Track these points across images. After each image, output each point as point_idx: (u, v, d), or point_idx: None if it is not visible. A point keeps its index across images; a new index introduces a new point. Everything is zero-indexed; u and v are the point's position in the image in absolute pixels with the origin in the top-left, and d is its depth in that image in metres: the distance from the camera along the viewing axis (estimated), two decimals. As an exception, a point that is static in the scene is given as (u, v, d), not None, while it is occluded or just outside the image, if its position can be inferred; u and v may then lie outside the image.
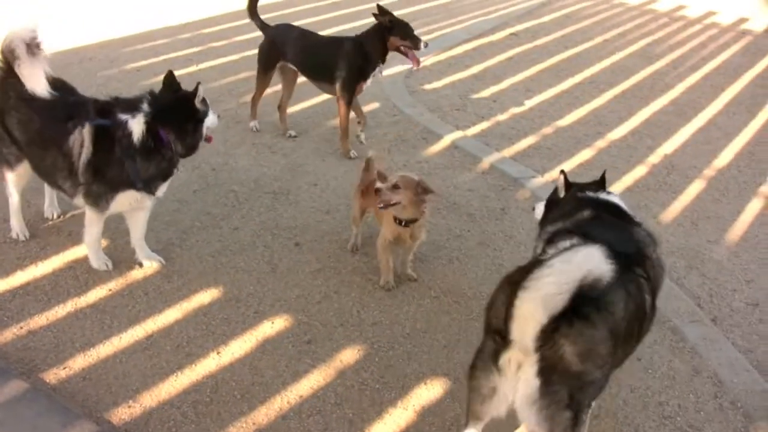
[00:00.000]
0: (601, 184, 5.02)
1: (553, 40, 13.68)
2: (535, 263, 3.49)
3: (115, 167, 5.53)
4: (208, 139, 5.94)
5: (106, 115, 5.52)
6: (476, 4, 15.83)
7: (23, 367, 5.01)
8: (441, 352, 5.40)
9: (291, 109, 9.00)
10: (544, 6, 16.10)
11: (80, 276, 5.98)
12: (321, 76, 8.31)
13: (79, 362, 5.10)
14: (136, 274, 6.04)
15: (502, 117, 9.79)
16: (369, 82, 8.28)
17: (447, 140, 8.85)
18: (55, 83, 5.78)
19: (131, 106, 5.54)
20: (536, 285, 3.33)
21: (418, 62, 8.24)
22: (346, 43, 8.12)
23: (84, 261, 6.08)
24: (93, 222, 5.86)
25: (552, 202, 5.17)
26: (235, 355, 5.24)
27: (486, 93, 10.68)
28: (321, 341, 5.43)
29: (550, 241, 4.40)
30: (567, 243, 4.08)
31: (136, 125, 5.44)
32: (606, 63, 12.63)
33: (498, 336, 3.65)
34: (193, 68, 10.69)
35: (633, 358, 5.29)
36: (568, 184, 5.05)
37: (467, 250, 6.61)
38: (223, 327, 5.51)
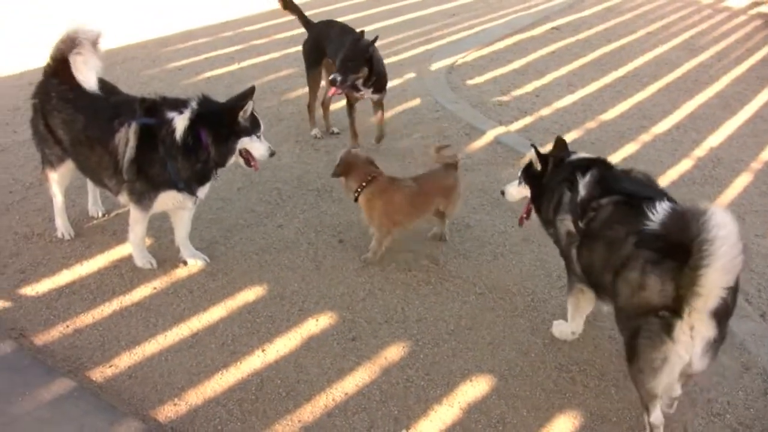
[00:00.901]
0: (563, 147, 5.37)
1: (596, 34, 13.57)
2: (680, 243, 3.88)
3: (157, 166, 5.57)
4: (253, 165, 5.90)
5: (153, 113, 5.55)
6: (516, -1, 15.80)
7: (70, 366, 5.06)
8: (486, 349, 5.38)
9: (333, 106, 8.97)
10: (586, -1, 16.03)
11: (125, 274, 6.03)
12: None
13: (125, 360, 5.15)
14: (181, 272, 6.08)
15: (545, 112, 9.73)
16: (364, 91, 7.99)
17: (490, 136, 8.79)
18: (97, 83, 5.80)
19: (180, 104, 5.57)
20: (715, 257, 3.71)
21: (331, 91, 7.91)
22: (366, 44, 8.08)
23: (129, 259, 6.13)
24: (137, 221, 5.95)
25: (536, 177, 5.38)
26: (279, 353, 5.26)
27: (529, 88, 10.61)
28: (366, 338, 5.43)
29: (586, 209, 4.76)
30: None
31: (180, 122, 5.50)
32: (649, 56, 12.51)
33: (666, 311, 4.04)
34: (234, 66, 10.71)
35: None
36: (544, 156, 5.32)
37: (511, 246, 6.57)
38: (267, 325, 5.53)
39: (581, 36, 13.36)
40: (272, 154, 5.89)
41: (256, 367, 5.12)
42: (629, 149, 8.70)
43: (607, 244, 4.57)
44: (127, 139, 5.53)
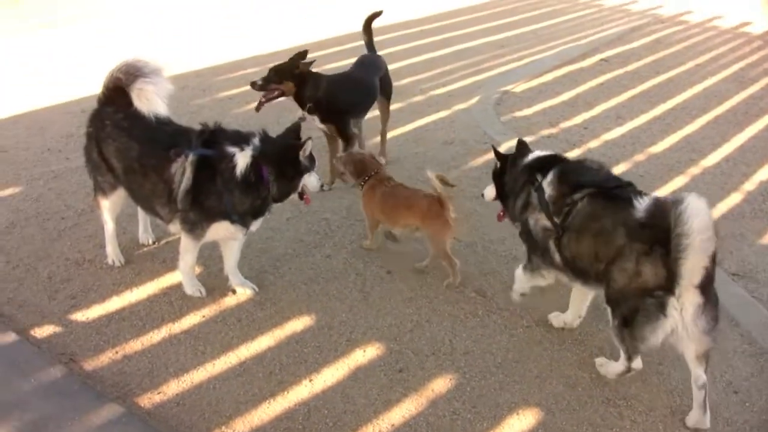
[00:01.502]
0: (525, 147, 5.96)
1: (644, 66, 13.51)
2: (659, 230, 4.59)
3: (213, 197, 5.65)
4: (305, 200, 6.03)
5: (210, 145, 5.64)
6: (566, 30, 15.74)
7: (118, 392, 5.11)
8: (533, 383, 5.35)
9: (390, 134, 9.03)
10: (635, 31, 15.92)
11: (174, 302, 6.09)
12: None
13: (173, 387, 5.19)
14: (229, 301, 6.12)
15: (593, 144, 9.67)
16: (309, 118, 8.10)
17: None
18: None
19: (242, 139, 5.66)
20: (691, 247, 4.43)
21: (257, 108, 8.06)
22: None
23: (178, 287, 6.18)
24: (188, 249, 6.01)
25: (499, 176, 6.12)
26: (327, 383, 5.27)
27: (577, 119, 10.59)
28: (413, 370, 5.43)
29: (560, 206, 5.32)
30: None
31: (242, 158, 5.55)
32: (698, 88, 12.42)
33: (659, 290, 4.69)
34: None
35: (729, 390, 5.23)
36: (503, 156, 6.10)
37: (558, 280, 6.53)
38: (315, 354, 5.54)
39: (630, 68, 13.31)
40: (322, 186, 6.07)
41: (304, 397, 5.13)
42: (678, 182, 8.64)
43: (594, 235, 5.09)
44: (183, 169, 5.60)
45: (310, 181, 5.91)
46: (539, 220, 5.47)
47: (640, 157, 9.35)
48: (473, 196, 7.29)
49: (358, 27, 8.83)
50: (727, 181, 8.77)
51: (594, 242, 5.08)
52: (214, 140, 5.67)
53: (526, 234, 5.69)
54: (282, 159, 5.70)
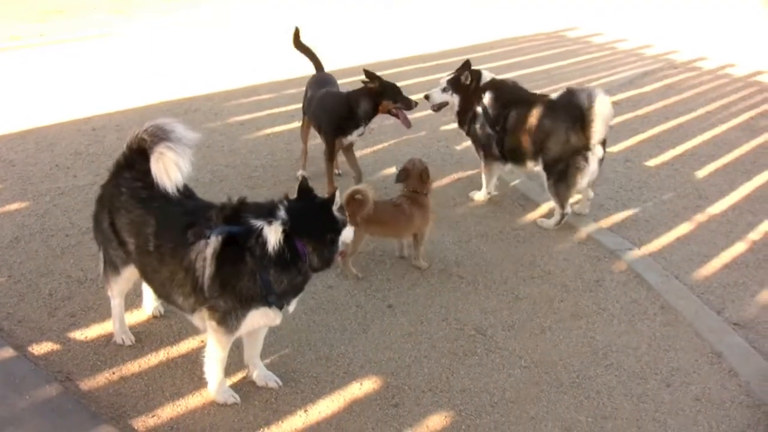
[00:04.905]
0: (468, 67, 8.75)
1: (654, 111, 13.46)
2: (575, 104, 7.75)
3: (246, 279, 4.82)
4: (341, 254, 5.31)
5: (234, 221, 4.86)
6: (578, 71, 15.74)
7: (113, 413, 5.12)
8: (528, 424, 5.33)
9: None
10: (647, 76, 15.89)
11: (173, 325, 6.10)
12: (317, 127, 8.64)
13: (167, 411, 5.20)
14: (229, 326, 6.06)
15: (600, 187, 9.64)
16: (353, 137, 8.44)
17: (544, 208, 8.77)
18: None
19: (265, 211, 4.84)
20: (598, 115, 7.56)
21: (408, 123, 8.39)
22: (333, 97, 8.46)
23: (178, 312, 6.09)
24: (219, 347, 5.10)
25: (464, 89, 8.71)
26: (322, 414, 5.26)
27: (585, 162, 10.51)
28: (409, 405, 5.41)
29: (498, 119, 8.38)
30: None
31: (273, 234, 4.73)
32: (708, 135, 12.33)
33: (583, 149, 7.77)
34: (294, 124, 10.65)
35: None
36: (475, 73, 8.73)
37: (559, 321, 6.51)
38: (312, 385, 5.53)
39: (640, 112, 13.29)
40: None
41: (297, 427, 5.12)
42: (683, 229, 8.59)
43: (526, 131, 8.10)
44: (207, 252, 4.79)
45: (347, 235, 5.10)
46: (485, 129, 8.47)
47: (647, 202, 9.32)
48: (478, 234, 7.26)
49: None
50: (732, 230, 8.72)
51: (526, 134, 8.07)
52: (237, 215, 4.88)
53: (474, 137, 8.71)
54: (317, 225, 4.93)
